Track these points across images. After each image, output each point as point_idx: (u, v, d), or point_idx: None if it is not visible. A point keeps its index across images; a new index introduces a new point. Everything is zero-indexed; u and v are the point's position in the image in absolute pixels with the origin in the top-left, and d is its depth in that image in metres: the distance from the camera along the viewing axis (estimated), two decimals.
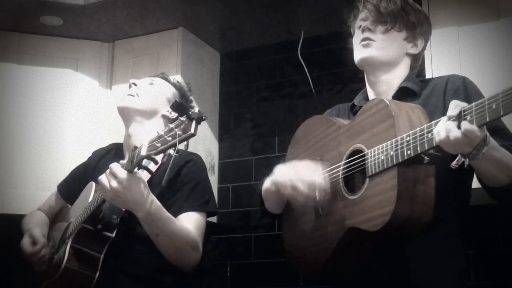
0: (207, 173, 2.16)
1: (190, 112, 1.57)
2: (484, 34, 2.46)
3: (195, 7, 2.92)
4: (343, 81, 3.03)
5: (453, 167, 1.39)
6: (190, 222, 2.00)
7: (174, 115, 2.22)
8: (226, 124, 3.29)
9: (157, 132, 1.67)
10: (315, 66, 3.09)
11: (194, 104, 2.35)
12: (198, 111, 1.59)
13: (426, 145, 1.38)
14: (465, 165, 1.38)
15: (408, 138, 1.41)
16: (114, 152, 2.27)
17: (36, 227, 2.22)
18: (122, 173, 1.79)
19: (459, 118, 1.31)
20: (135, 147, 1.78)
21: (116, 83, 3.16)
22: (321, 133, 1.73)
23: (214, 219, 3.03)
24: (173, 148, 1.61)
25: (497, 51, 2.42)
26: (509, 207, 2.54)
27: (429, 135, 1.37)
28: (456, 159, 1.38)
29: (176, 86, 2.28)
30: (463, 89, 1.65)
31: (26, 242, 2.13)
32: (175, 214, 1.98)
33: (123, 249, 1.99)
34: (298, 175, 1.61)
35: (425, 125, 1.39)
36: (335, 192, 1.61)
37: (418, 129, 1.40)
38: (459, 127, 1.30)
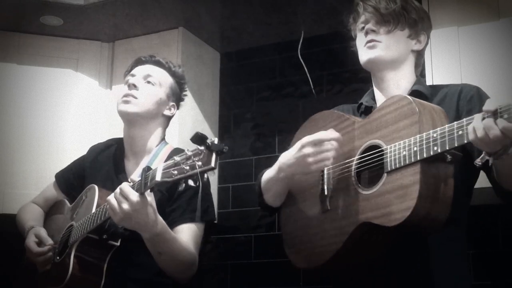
0: (207, 179, 2.15)
1: (209, 144, 1.51)
2: (484, 34, 2.46)
3: (195, 7, 2.92)
4: (343, 81, 3.03)
5: (477, 165, 1.39)
6: (188, 234, 2.01)
7: (174, 112, 2.22)
8: (226, 124, 3.29)
9: (174, 158, 1.62)
10: (315, 66, 3.09)
11: (187, 90, 2.32)
12: (218, 142, 1.52)
13: (456, 141, 1.36)
14: (490, 164, 1.38)
15: (435, 135, 1.40)
16: (115, 149, 2.25)
17: (39, 225, 2.22)
18: (134, 196, 1.74)
19: (494, 115, 1.30)
20: (148, 168, 1.73)
21: (116, 83, 3.16)
22: (334, 127, 1.71)
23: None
24: (191, 178, 1.56)
25: (497, 51, 2.42)
26: (509, 206, 2.54)
27: (460, 131, 1.36)
28: (480, 157, 1.38)
29: (171, 71, 2.23)
30: (477, 98, 1.65)
31: (31, 241, 2.11)
32: (174, 224, 1.99)
33: (124, 254, 1.99)
34: (310, 137, 1.60)
35: (454, 123, 1.38)
36: (345, 187, 1.59)
37: (446, 126, 1.40)
38: (496, 124, 1.29)
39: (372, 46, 1.75)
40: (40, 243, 2.11)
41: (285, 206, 1.80)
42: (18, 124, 3.02)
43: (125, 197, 1.75)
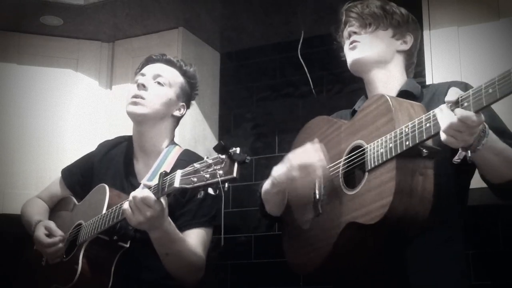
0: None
1: (232, 153, 1.50)
2: (484, 34, 2.46)
3: (195, 7, 2.92)
4: (343, 81, 3.02)
5: (455, 162, 1.39)
6: (197, 239, 2.01)
7: (183, 112, 2.21)
8: (226, 124, 3.29)
9: (193, 165, 1.61)
10: (315, 66, 3.09)
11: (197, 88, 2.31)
12: (240, 152, 1.52)
13: (424, 134, 1.38)
14: (468, 159, 1.38)
15: (406, 130, 1.42)
16: (124, 147, 2.24)
17: (45, 219, 2.21)
18: (158, 204, 1.74)
19: (456, 105, 1.32)
20: (165, 173, 1.73)
21: (116, 83, 3.16)
22: (323, 133, 1.75)
23: None
24: (211, 186, 1.55)
25: (497, 51, 2.42)
26: (509, 206, 2.54)
27: (428, 124, 1.37)
28: (458, 153, 1.38)
29: (182, 70, 2.21)
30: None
31: (41, 233, 2.10)
32: (183, 228, 1.98)
33: (133, 256, 1.99)
34: (297, 159, 1.61)
35: (423, 115, 1.40)
36: (335, 189, 1.61)
37: (416, 119, 1.41)
38: (454, 114, 1.31)
39: (353, 47, 1.80)
40: (49, 235, 2.09)
41: (284, 214, 1.81)
42: (18, 124, 3.02)
43: (148, 205, 1.75)
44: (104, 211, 1.96)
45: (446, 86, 1.70)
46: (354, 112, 1.84)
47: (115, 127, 2.86)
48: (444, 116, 1.32)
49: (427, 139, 1.39)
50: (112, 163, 2.20)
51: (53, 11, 2.95)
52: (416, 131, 1.39)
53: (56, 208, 2.33)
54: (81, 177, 2.27)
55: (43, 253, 2.11)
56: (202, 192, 1.60)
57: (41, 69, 3.10)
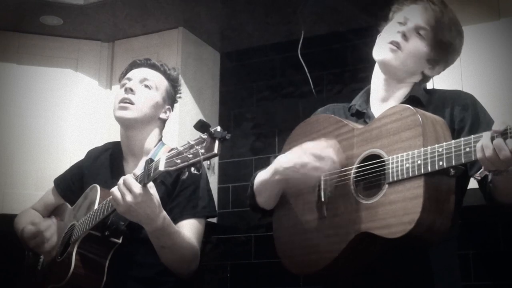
0: (206, 176, 2.15)
1: (212, 131, 1.51)
2: (485, 34, 2.46)
3: (195, 7, 2.92)
4: (343, 81, 3.03)
5: (476, 179, 1.41)
6: (190, 229, 2.01)
7: (169, 115, 2.23)
8: (226, 124, 3.29)
9: (177, 147, 1.62)
10: (315, 66, 3.09)
11: (182, 89, 2.32)
12: (221, 130, 1.52)
13: (463, 158, 1.36)
14: (489, 179, 1.39)
15: (440, 149, 1.40)
16: (111, 152, 2.26)
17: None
18: (137, 187, 1.74)
19: (503, 135, 1.30)
20: (151, 160, 1.74)
21: (116, 83, 3.14)
22: (330, 133, 1.69)
23: (214, 219, 3.03)
24: (194, 166, 1.56)
25: (498, 51, 2.42)
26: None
27: (467, 148, 1.35)
28: (479, 171, 1.40)
29: (166, 74, 2.23)
30: (472, 105, 1.65)
31: (28, 228, 2.09)
32: (176, 220, 1.99)
33: (127, 253, 1.99)
34: (310, 150, 1.57)
35: (462, 139, 1.38)
36: (344, 195, 1.58)
37: (453, 141, 1.39)
38: (506, 145, 1.29)
39: (394, 50, 1.69)
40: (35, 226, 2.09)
41: (278, 209, 1.78)
42: (18, 124, 3.02)
43: (128, 188, 1.75)
44: (95, 208, 1.97)
45: (453, 95, 1.68)
46: (351, 109, 1.80)
47: (115, 127, 2.83)
48: (498, 145, 1.30)
49: (465, 163, 1.37)
50: (102, 168, 2.22)
51: (53, 11, 2.95)
52: (453, 154, 1.37)
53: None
54: (73, 185, 2.28)
55: (31, 247, 2.10)
56: (187, 173, 1.61)
57: (40, 69, 3.11)
